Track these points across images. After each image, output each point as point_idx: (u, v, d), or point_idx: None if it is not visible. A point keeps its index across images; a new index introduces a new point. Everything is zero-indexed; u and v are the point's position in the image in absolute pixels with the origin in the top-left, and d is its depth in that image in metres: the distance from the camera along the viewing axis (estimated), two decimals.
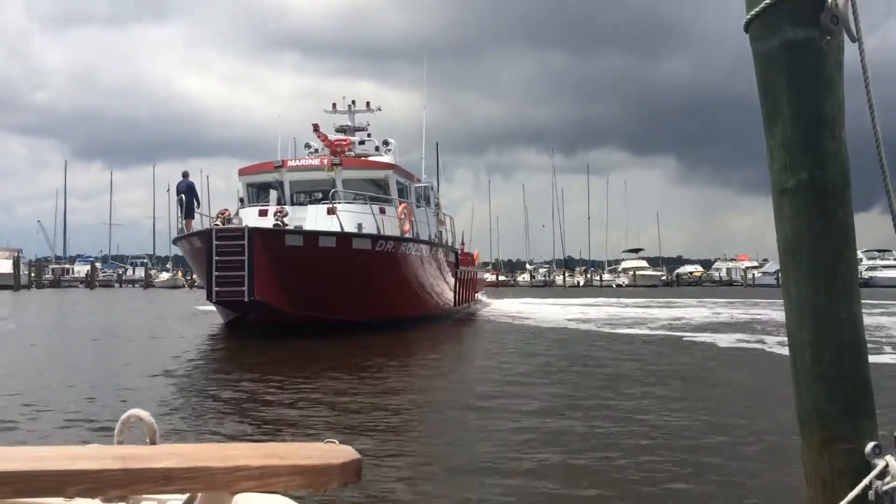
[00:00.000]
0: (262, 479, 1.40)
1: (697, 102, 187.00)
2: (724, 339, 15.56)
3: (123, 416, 1.62)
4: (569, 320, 22.17)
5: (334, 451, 1.50)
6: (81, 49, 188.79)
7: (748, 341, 15.28)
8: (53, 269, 77.79)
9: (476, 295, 30.40)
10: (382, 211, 18.81)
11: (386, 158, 22.94)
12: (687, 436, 6.39)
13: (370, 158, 22.44)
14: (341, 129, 24.48)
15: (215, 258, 15.29)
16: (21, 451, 1.44)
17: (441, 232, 25.27)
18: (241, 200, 20.37)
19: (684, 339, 15.99)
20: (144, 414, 1.60)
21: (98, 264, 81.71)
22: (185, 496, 1.53)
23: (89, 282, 71.32)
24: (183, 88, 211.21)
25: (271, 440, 5.94)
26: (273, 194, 20.38)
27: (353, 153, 21.81)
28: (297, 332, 14.55)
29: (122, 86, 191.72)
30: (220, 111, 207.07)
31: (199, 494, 1.51)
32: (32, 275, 64.65)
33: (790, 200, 1.61)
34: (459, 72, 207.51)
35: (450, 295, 23.48)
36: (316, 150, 22.90)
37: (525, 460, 5.58)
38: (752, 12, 1.61)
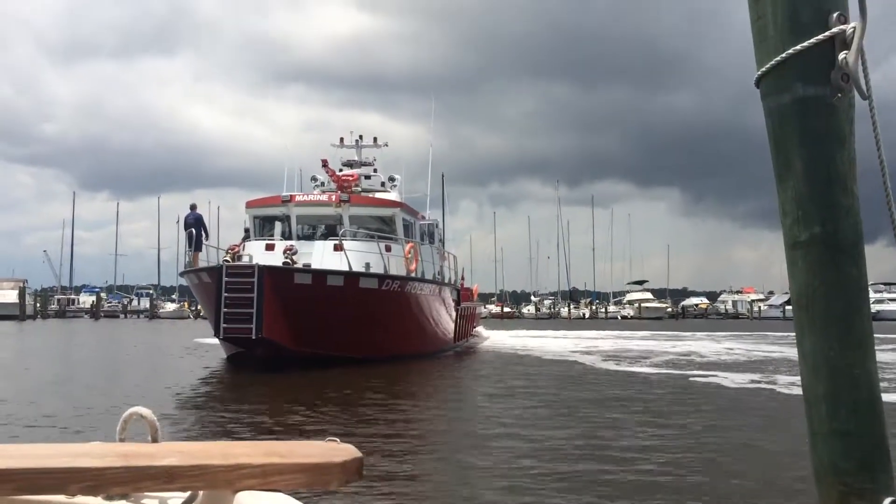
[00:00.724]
0: (263, 476, 1.40)
1: (701, 135, 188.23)
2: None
3: (125, 414, 1.61)
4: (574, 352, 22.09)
5: (336, 450, 1.50)
6: (89, 81, 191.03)
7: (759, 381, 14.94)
8: (59, 300, 78.04)
9: (474, 328, 30.86)
10: (388, 248, 18.89)
11: (392, 194, 23.21)
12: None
13: (376, 195, 22.63)
14: (348, 164, 24.66)
15: (224, 294, 15.32)
16: (23, 449, 1.44)
17: (443, 268, 25.43)
18: (247, 231, 20.48)
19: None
20: (146, 411, 1.59)
21: (103, 294, 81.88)
22: (188, 494, 1.53)
23: (94, 312, 71.44)
24: (189, 120, 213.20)
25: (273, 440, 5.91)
26: (278, 227, 20.47)
27: (359, 188, 21.99)
28: (301, 367, 14.62)
29: (128, 117, 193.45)
30: (225, 142, 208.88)
31: (201, 492, 1.52)
32: (38, 305, 64.77)
33: (803, 254, 1.61)
34: (463, 103, 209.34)
35: (451, 330, 23.74)
36: (322, 184, 23.18)
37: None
38: (763, 69, 1.63)
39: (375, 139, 26.03)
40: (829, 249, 1.58)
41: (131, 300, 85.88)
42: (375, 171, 25.29)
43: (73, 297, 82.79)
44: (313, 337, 15.65)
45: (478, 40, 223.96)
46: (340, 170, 23.11)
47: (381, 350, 17.32)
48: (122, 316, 76.40)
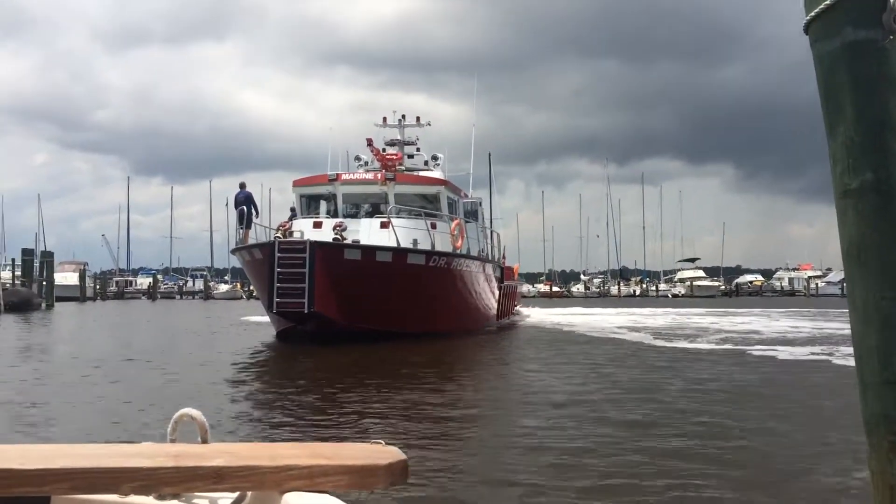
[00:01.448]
0: (310, 478, 1.42)
1: (754, 109, 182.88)
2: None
3: (176, 415, 1.64)
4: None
5: (380, 452, 1.51)
6: (141, 68, 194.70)
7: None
8: (117, 282, 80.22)
9: (515, 307, 31.06)
10: (433, 226, 19.06)
11: (435, 173, 23.37)
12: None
13: (420, 173, 22.86)
14: (391, 143, 24.87)
15: (277, 270, 15.61)
16: (78, 449, 1.48)
17: (487, 246, 25.54)
18: (293, 210, 20.77)
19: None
20: (196, 413, 1.62)
21: (160, 277, 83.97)
22: (236, 494, 1.56)
23: (151, 294, 73.42)
24: (239, 104, 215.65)
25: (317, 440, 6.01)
26: (323, 205, 20.79)
27: (403, 167, 22.15)
28: (348, 341, 14.88)
29: (180, 103, 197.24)
30: (274, 126, 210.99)
31: (249, 493, 1.54)
32: (97, 287, 66.80)
33: (854, 202, 1.58)
34: (509, 82, 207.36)
35: (494, 307, 23.89)
36: (366, 163, 23.48)
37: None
38: (812, 13, 1.59)
39: (418, 118, 26.14)
40: (880, 197, 1.55)
41: (186, 282, 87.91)
42: (418, 149, 25.52)
43: (130, 279, 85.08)
44: (362, 312, 15.90)
45: (524, 18, 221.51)
46: (384, 149, 23.27)
47: (427, 325, 17.49)
48: (177, 297, 78.29)
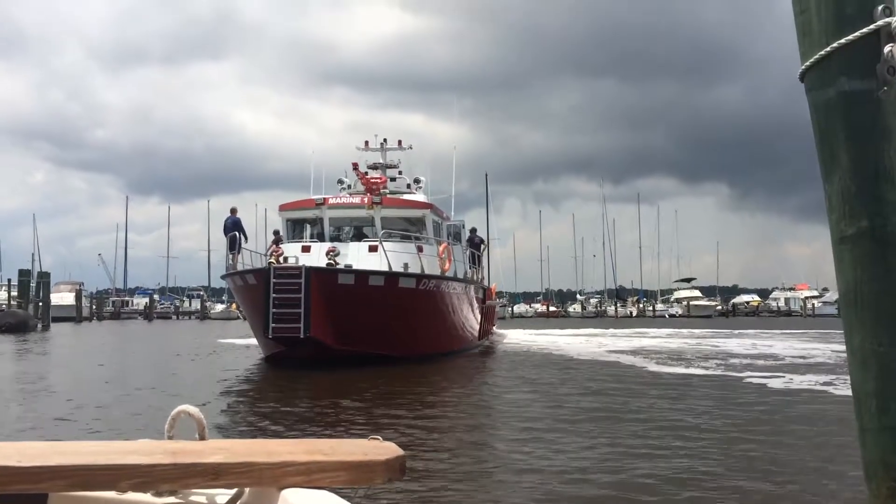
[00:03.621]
0: (308, 474, 1.42)
1: (749, 128, 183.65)
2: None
3: (173, 412, 1.64)
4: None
5: (378, 448, 1.52)
6: (138, 87, 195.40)
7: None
8: (114, 302, 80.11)
9: (492, 327, 31.25)
10: (420, 249, 19.41)
11: (418, 196, 23.97)
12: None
13: (403, 196, 23.37)
14: (373, 167, 25.40)
15: (273, 296, 15.69)
16: (75, 446, 1.47)
17: (466, 267, 25.81)
18: (276, 233, 20.96)
19: None
20: (193, 410, 1.62)
21: (156, 296, 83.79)
22: (234, 491, 1.56)
23: (148, 314, 73.23)
24: (236, 124, 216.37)
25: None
26: (307, 229, 21.23)
27: (387, 191, 22.47)
28: (340, 365, 14.94)
29: (177, 122, 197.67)
30: (272, 145, 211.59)
31: (247, 489, 1.55)
32: (94, 307, 66.64)
33: (850, 249, 1.60)
34: (507, 101, 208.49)
35: (476, 329, 24.17)
36: (349, 186, 24.00)
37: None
38: (807, 63, 1.62)
39: (400, 142, 26.75)
40: (876, 244, 1.57)
41: (183, 302, 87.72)
42: (400, 172, 26.15)
43: (126, 298, 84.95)
44: (354, 336, 16.05)
45: (522, 38, 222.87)
46: (366, 172, 23.60)
47: (416, 348, 17.70)
48: (174, 317, 78.12)
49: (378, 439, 1.58)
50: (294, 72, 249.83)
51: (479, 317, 24.46)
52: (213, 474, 1.39)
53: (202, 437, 1.58)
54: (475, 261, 25.63)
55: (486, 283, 29.42)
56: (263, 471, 1.41)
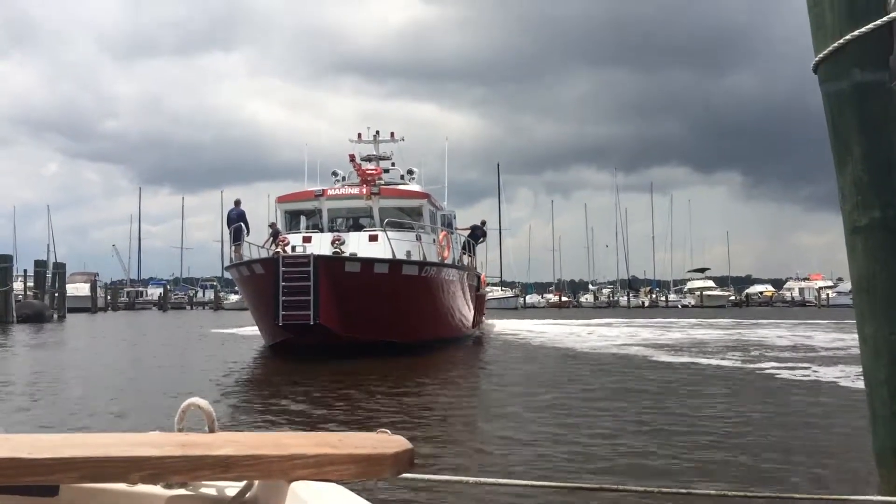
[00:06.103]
0: (317, 467, 1.43)
1: (763, 116, 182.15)
2: None
3: (183, 405, 1.65)
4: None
5: (387, 441, 1.52)
6: (150, 78, 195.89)
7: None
8: (128, 292, 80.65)
9: (482, 318, 31.37)
10: (418, 238, 19.86)
11: (412, 186, 24.42)
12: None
13: (399, 187, 23.81)
14: (367, 158, 25.75)
15: (282, 284, 15.94)
16: (87, 438, 1.48)
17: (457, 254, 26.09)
18: (272, 225, 21.16)
19: None
20: (203, 402, 1.62)
21: (170, 287, 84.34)
22: (243, 483, 1.57)
23: (162, 304, 73.76)
24: (248, 114, 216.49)
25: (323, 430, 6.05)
26: (303, 220, 21.68)
27: (382, 181, 22.76)
28: (345, 353, 15.06)
29: (189, 113, 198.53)
30: (283, 135, 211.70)
31: (257, 482, 1.56)
32: (108, 298, 67.15)
33: (863, 239, 1.62)
34: (519, 91, 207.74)
35: (471, 317, 24.45)
36: (344, 178, 24.40)
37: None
38: (820, 55, 1.64)
39: (392, 134, 27.17)
40: (889, 234, 1.59)
41: (196, 292, 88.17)
42: (393, 164, 26.55)
43: (141, 289, 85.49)
44: (359, 323, 16.31)
45: (534, 26, 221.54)
46: (360, 164, 23.87)
47: (418, 335, 17.97)
48: (188, 307, 78.56)
49: (387, 432, 1.58)
50: (305, 62, 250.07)
51: (472, 305, 24.66)
52: (222, 467, 1.40)
53: (212, 430, 1.59)
54: (470, 249, 25.88)
55: (478, 271, 29.70)
56: (272, 463, 1.42)
